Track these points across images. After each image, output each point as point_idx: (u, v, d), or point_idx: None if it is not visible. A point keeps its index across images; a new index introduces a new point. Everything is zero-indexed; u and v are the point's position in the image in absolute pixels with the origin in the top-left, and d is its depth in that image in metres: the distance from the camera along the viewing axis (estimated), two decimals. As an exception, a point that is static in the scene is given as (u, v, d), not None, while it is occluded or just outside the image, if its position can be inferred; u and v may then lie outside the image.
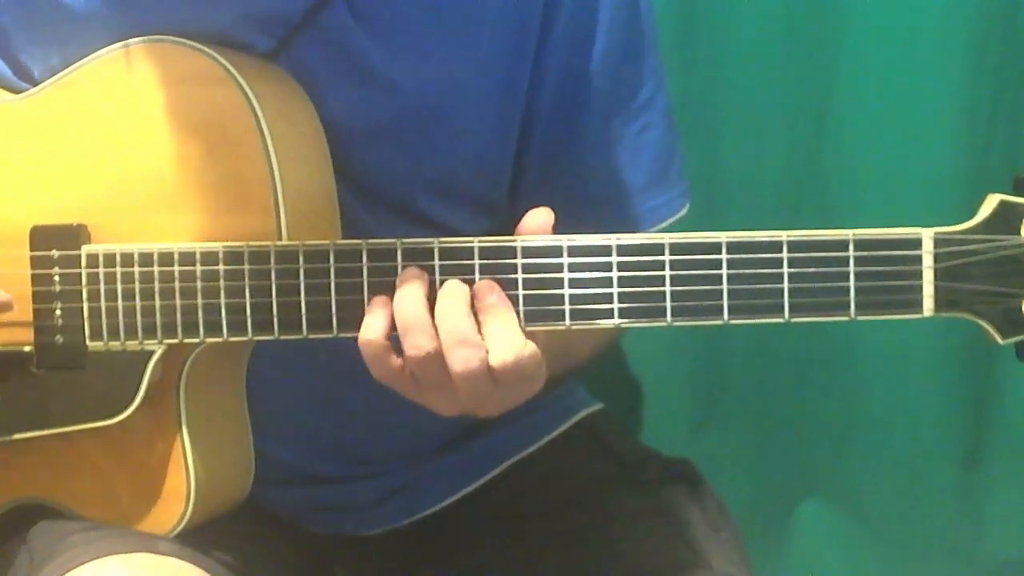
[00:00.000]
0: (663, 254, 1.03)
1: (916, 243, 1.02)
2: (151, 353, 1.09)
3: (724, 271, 1.03)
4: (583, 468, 1.36)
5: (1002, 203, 1.01)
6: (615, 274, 1.03)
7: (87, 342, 1.10)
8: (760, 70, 1.61)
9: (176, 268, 1.08)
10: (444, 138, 1.19)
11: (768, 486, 1.73)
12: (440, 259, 1.04)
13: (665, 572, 1.23)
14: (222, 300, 1.07)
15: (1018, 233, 1.01)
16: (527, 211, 1.06)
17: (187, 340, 1.08)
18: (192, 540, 1.13)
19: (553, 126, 1.21)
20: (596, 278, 1.04)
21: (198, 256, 1.07)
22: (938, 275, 1.01)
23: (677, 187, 1.28)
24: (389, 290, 1.05)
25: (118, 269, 1.09)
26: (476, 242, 1.04)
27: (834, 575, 1.75)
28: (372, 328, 1.04)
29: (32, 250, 1.11)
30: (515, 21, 1.17)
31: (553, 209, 1.06)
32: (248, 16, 1.13)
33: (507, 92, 1.19)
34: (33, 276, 1.11)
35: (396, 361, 1.04)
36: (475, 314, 1.03)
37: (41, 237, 1.11)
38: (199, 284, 1.07)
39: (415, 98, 1.16)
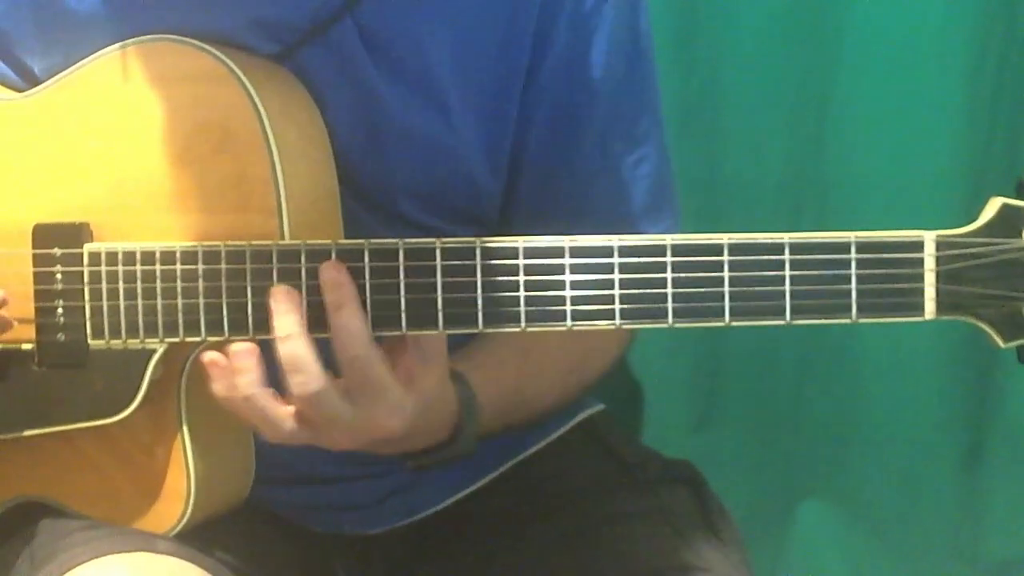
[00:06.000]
0: (665, 255, 1.03)
1: (918, 246, 1.01)
2: (152, 352, 1.09)
3: (726, 273, 1.03)
4: (584, 469, 1.36)
5: (1004, 206, 1.01)
6: (616, 276, 1.03)
7: (88, 340, 1.10)
8: (760, 70, 1.61)
9: (178, 267, 1.08)
10: (433, 159, 1.19)
11: (768, 486, 1.73)
12: (442, 259, 1.05)
13: (665, 573, 1.23)
14: (224, 299, 1.07)
15: (1020, 237, 1.01)
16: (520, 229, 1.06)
17: (189, 339, 1.08)
18: (192, 539, 1.13)
19: (545, 155, 1.22)
20: (598, 279, 1.04)
21: (200, 255, 1.07)
22: (940, 278, 1.01)
23: (667, 220, 1.27)
24: (393, 291, 1.05)
25: (120, 268, 1.09)
26: (478, 243, 1.04)
27: (834, 575, 1.75)
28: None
29: (34, 248, 1.11)
30: (506, 54, 1.18)
31: (547, 234, 1.06)
32: (257, 22, 1.13)
33: (497, 121, 1.20)
34: (35, 274, 1.11)
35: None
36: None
37: (43, 235, 1.11)
38: (201, 283, 1.07)
39: (407, 120, 1.17)
